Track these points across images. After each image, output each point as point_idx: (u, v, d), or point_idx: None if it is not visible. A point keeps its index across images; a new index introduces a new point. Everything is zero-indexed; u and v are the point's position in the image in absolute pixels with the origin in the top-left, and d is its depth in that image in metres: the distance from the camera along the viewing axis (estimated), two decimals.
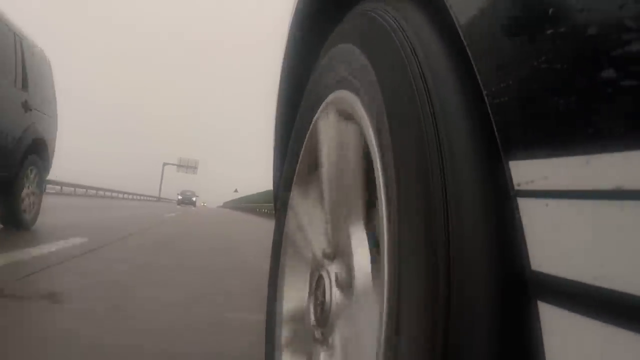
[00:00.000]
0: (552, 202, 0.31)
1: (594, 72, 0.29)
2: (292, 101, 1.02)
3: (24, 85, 4.27)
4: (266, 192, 23.42)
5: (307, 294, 0.81)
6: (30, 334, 1.58)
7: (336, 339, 0.65)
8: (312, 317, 0.73)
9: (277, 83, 1.08)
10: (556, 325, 0.31)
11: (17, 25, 4.34)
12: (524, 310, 0.34)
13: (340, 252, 0.69)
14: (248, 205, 32.03)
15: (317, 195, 0.82)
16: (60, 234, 4.35)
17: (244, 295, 2.65)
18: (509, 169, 0.35)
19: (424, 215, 0.41)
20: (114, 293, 2.34)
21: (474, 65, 0.40)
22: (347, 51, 0.66)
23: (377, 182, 0.51)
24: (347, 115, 0.68)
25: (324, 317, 0.67)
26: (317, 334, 0.71)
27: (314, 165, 0.82)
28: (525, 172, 0.34)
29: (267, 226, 9.81)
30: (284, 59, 1.02)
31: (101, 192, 35.57)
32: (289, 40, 0.99)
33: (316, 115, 0.79)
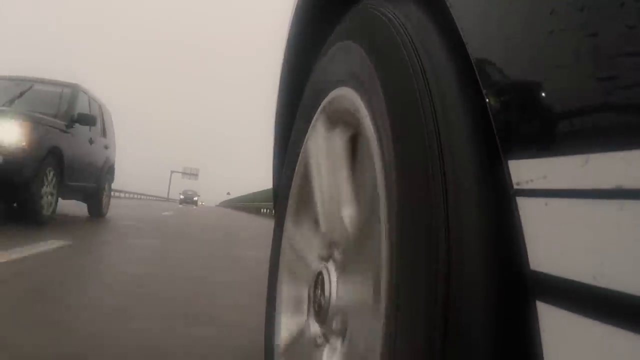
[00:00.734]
0: (551, 202, 0.31)
1: (593, 72, 0.29)
2: (293, 100, 1.02)
3: (104, 134, 7.36)
4: (252, 194, 29.74)
5: (306, 293, 0.81)
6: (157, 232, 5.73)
7: (336, 337, 0.65)
8: (312, 316, 0.73)
9: (278, 82, 1.08)
10: (555, 324, 0.31)
11: (98, 96, 7.29)
12: (523, 309, 0.34)
13: (339, 250, 0.69)
14: (238, 204, 38.43)
15: (318, 193, 0.82)
16: (123, 216, 8.44)
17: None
18: (508, 168, 0.35)
19: (423, 214, 0.41)
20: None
21: (474, 65, 0.40)
22: (348, 49, 0.66)
23: (377, 180, 0.51)
24: (347, 113, 0.68)
25: (323, 314, 0.67)
26: (317, 332, 0.71)
27: (314, 163, 0.82)
28: (524, 171, 0.34)
29: (246, 216, 17.79)
30: (285, 57, 1.02)
31: (116, 193, 37.31)
32: (289, 39, 0.98)
33: (316, 114, 0.79)
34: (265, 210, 19.00)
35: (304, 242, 0.84)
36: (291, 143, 0.95)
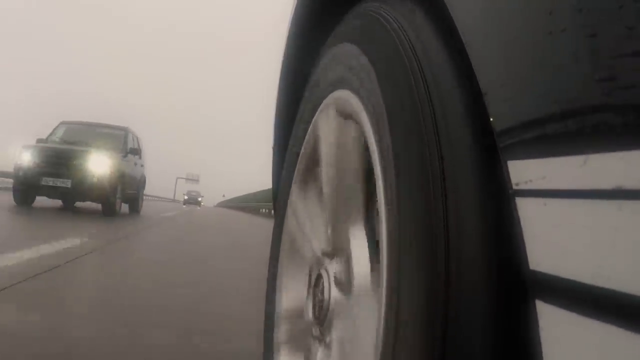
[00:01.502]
0: (551, 202, 0.31)
1: (592, 71, 0.29)
2: (292, 100, 1.02)
3: (140, 157, 10.43)
4: (245, 195, 38.05)
5: (305, 292, 0.81)
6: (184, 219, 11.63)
7: (334, 337, 0.65)
8: (311, 315, 0.73)
9: (277, 83, 1.08)
10: (555, 324, 0.31)
11: (136, 132, 10.49)
12: (523, 309, 0.34)
13: (339, 250, 0.69)
14: (233, 204, 46.38)
15: (317, 194, 0.82)
16: (155, 211, 13.48)
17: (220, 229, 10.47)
18: (507, 169, 0.35)
19: (422, 214, 0.41)
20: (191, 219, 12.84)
21: (473, 65, 0.40)
22: (347, 50, 0.66)
23: (376, 182, 0.51)
24: (347, 115, 0.68)
25: (323, 315, 0.67)
26: (316, 331, 0.71)
27: (314, 164, 0.82)
28: (523, 171, 0.34)
29: (234, 213, 23.08)
30: (284, 58, 1.02)
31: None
32: (289, 39, 0.98)
33: (316, 115, 0.79)
34: (264, 211, 23.45)
35: (303, 244, 0.84)
36: (290, 144, 0.95)
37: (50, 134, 9.29)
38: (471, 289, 0.37)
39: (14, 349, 1.48)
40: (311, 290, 0.76)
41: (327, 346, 0.67)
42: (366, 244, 0.62)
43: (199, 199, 67.55)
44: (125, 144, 9.30)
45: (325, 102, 0.75)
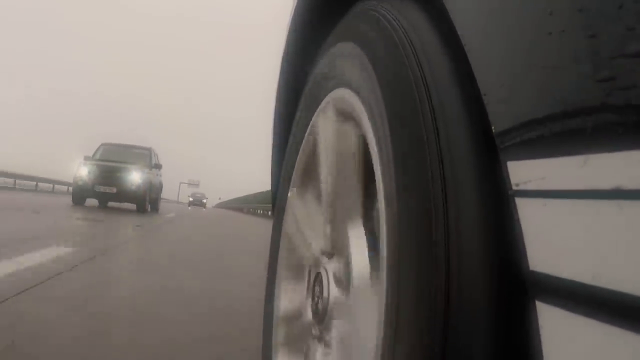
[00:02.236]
0: (550, 202, 0.31)
1: (591, 71, 0.29)
2: (291, 100, 1.02)
3: (160, 169, 14.04)
4: (237, 197, 44.90)
5: (305, 291, 0.81)
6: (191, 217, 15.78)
7: (333, 335, 0.65)
8: (310, 314, 0.73)
9: (277, 81, 1.08)
10: (554, 325, 0.31)
11: (155, 149, 14.26)
12: (523, 310, 0.34)
13: (338, 249, 0.69)
14: (230, 205, 51.41)
15: (316, 193, 0.82)
16: (167, 210, 17.60)
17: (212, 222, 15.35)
18: (507, 169, 0.35)
19: (422, 215, 0.41)
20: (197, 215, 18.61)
21: (472, 65, 0.40)
22: (347, 49, 0.66)
23: (376, 182, 0.51)
24: (346, 114, 0.68)
25: (322, 313, 0.67)
26: (315, 331, 0.71)
27: (313, 163, 0.82)
28: (523, 172, 0.34)
29: (225, 212, 31.76)
30: (283, 57, 1.02)
31: None
32: (288, 38, 0.98)
33: (315, 114, 0.79)
34: (260, 211, 27.02)
35: (302, 244, 0.84)
36: (290, 143, 0.95)
37: (94, 153, 12.83)
38: (471, 289, 0.37)
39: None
40: (310, 289, 0.76)
41: (327, 345, 0.67)
42: (365, 244, 0.62)
43: (204, 201, 67.76)
44: (150, 161, 13.03)
45: (324, 101, 0.75)
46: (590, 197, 0.29)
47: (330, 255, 0.71)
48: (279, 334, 0.86)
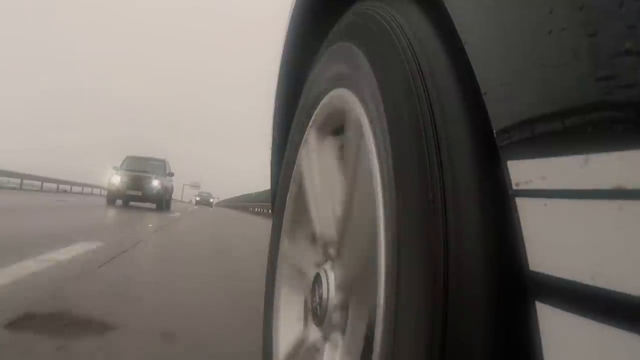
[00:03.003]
0: (550, 202, 0.31)
1: (591, 71, 0.29)
2: (291, 99, 1.02)
3: (172, 176, 17.56)
4: (233, 197, 50.06)
5: (304, 292, 0.81)
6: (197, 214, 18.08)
7: (333, 336, 0.65)
8: (310, 315, 0.73)
9: (276, 80, 1.08)
10: (554, 325, 0.31)
11: (168, 160, 18.44)
12: (522, 310, 0.34)
13: (338, 250, 0.68)
14: (227, 204, 54.24)
15: (316, 193, 0.82)
16: (180, 208, 22.50)
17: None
18: (507, 169, 0.35)
19: (422, 215, 0.41)
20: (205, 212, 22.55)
21: (472, 64, 0.39)
22: (345, 49, 0.66)
23: (375, 181, 0.50)
24: (344, 114, 0.68)
25: (322, 315, 0.67)
26: (315, 331, 0.71)
27: (312, 163, 0.82)
28: (523, 171, 0.34)
29: (220, 209, 35.20)
30: (282, 57, 1.02)
31: None
32: (287, 38, 0.98)
33: (315, 113, 0.79)
34: (258, 210, 30.09)
35: (302, 244, 0.84)
36: (289, 143, 0.95)
37: (122, 164, 16.32)
38: (471, 290, 0.37)
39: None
40: (310, 290, 0.76)
41: (327, 345, 0.67)
42: (365, 244, 0.62)
43: (211, 200, 66.35)
44: (165, 170, 16.78)
45: (323, 100, 0.75)
46: (590, 197, 0.28)
47: (330, 255, 0.71)
48: (278, 333, 0.86)
